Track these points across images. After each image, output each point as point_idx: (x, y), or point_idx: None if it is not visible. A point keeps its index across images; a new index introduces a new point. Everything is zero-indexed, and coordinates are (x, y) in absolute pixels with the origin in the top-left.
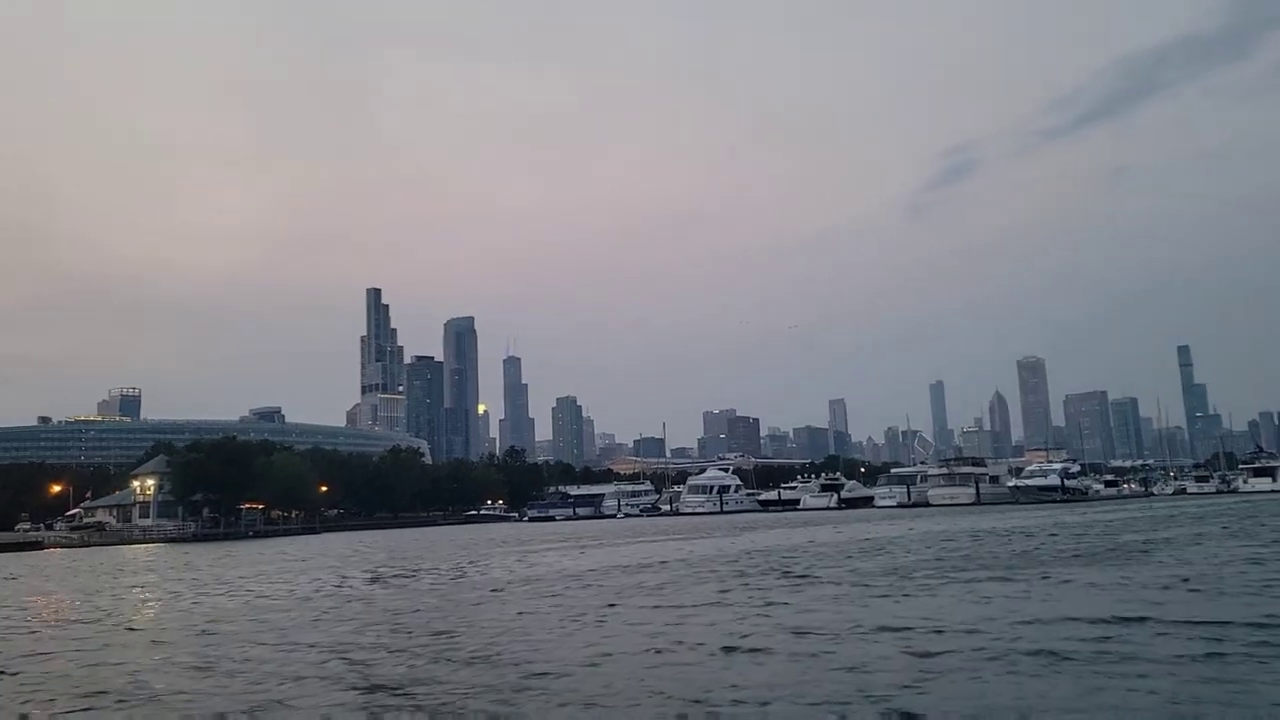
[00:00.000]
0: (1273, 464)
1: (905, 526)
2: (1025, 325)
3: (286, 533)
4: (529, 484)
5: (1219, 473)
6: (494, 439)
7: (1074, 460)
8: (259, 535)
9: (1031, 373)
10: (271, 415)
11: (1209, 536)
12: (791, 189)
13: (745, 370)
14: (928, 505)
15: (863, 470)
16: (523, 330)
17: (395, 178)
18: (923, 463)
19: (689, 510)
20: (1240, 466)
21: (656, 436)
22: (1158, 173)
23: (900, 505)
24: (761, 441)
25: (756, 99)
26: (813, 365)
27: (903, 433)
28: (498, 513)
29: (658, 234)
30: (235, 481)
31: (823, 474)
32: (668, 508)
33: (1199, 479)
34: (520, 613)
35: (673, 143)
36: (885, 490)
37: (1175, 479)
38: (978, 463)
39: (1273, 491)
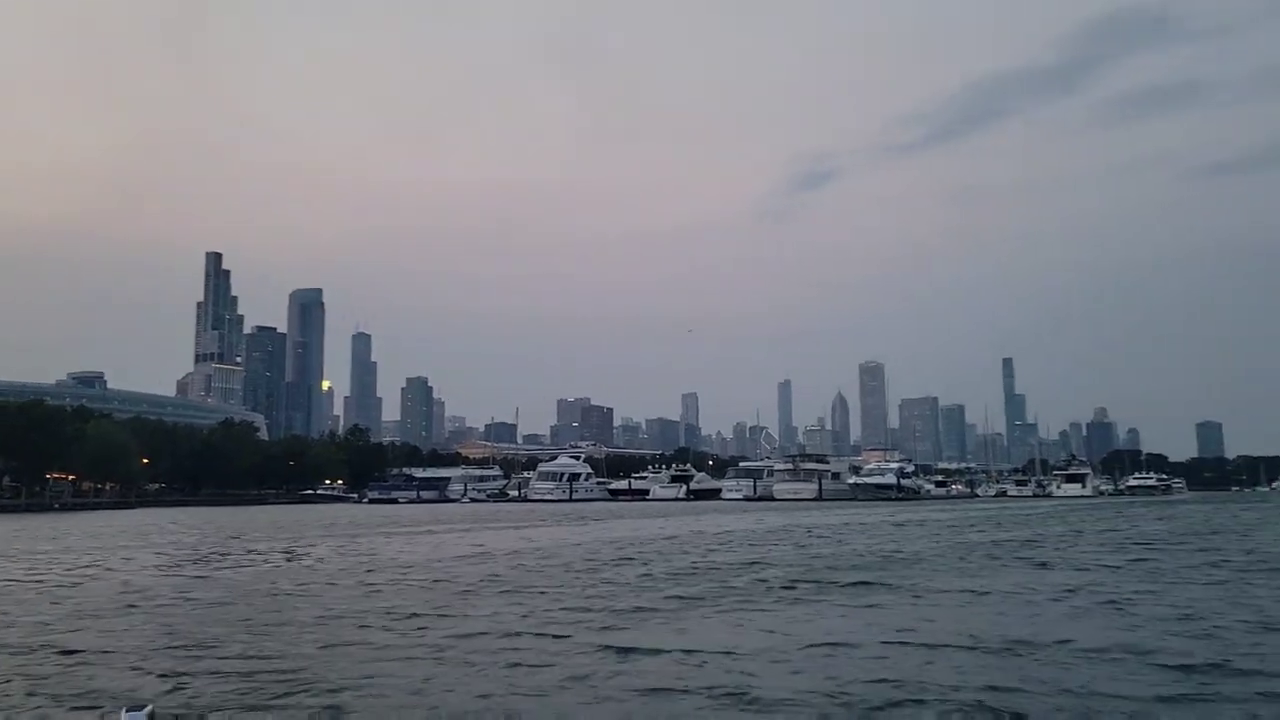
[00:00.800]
0: (1082, 471)
1: (754, 519)
2: (869, 331)
3: (98, 506)
4: (372, 464)
5: (1035, 477)
6: (338, 417)
7: (909, 461)
8: (66, 508)
9: (872, 376)
10: (92, 381)
11: (1062, 539)
12: (653, 183)
13: (601, 360)
14: (773, 499)
15: (710, 463)
16: (374, 307)
17: (244, 138)
18: (768, 458)
19: (537, 497)
20: (1055, 473)
21: (509, 422)
22: (996, 193)
23: (746, 498)
24: (614, 431)
25: (624, 92)
26: (669, 358)
27: (750, 428)
28: (336, 493)
29: (520, 218)
30: (42, 449)
31: (674, 465)
32: (516, 494)
33: (1018, 483)
34: (320, 617)
35: (538, 129)
36: (733, 483)
37: (997, 482)
38: (821, 460)
39: (1081, 496)
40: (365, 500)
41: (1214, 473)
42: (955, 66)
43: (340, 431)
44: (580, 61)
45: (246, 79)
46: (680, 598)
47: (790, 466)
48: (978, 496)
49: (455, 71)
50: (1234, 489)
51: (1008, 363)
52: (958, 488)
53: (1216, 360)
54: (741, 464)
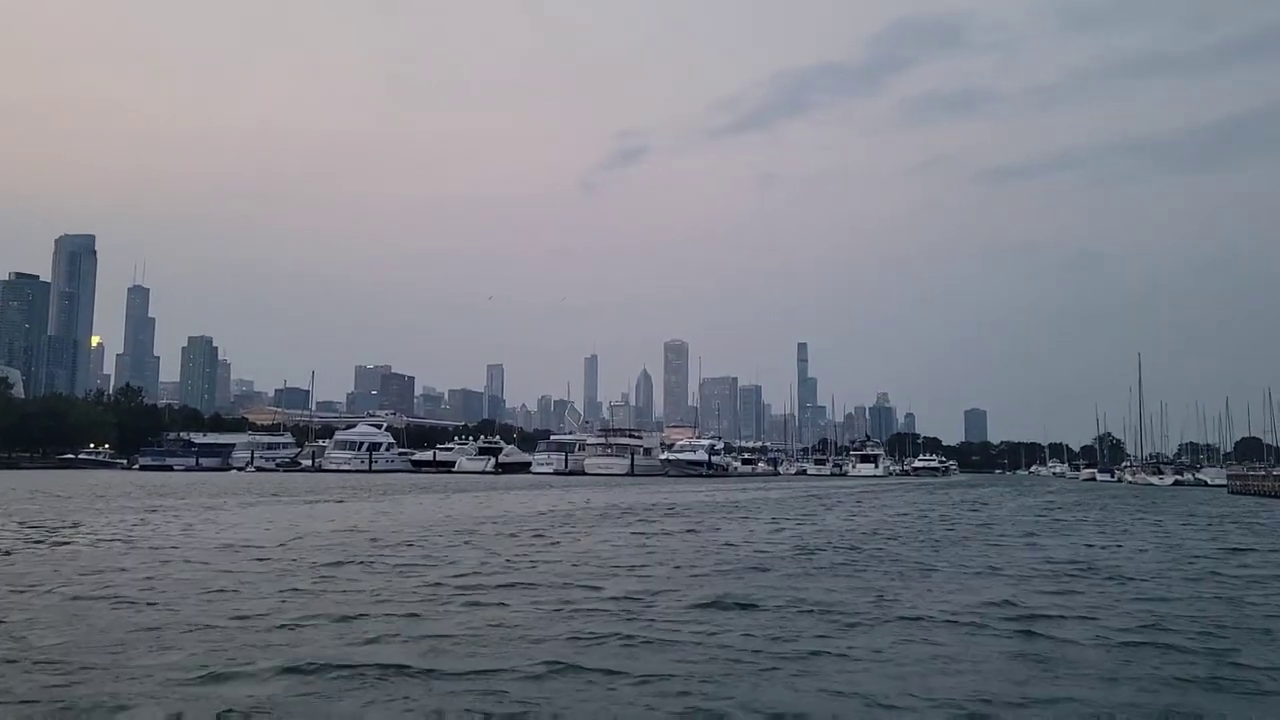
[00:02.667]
0: (875, 453)
1: (583, 497)
2: (674, 310)
3: None
4: (146, 428)
5: (833, 458)
6: (108, 376)
7: (718, 438)
8: None
9: (676, 354)
10: None
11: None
12: (467, 149)
13: (403, 327)
14: (584, 474)
15: (515, 436)
16: (154, 258)
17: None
18: (571, 432)
19: (333, 467)
20: (851, 453)
21: (301, 387)
22: (796, 183)
23: (557, 472)
24: (416, 401)
25: (444, 52)
26: (473, 328)
27: (555, 402)
28: (102, 458)
29: (323, 174)
30: None
31: (481, 437)
32: (310, 463)
33: (817, 462)
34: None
35: (341, 82)
36: (544, 457)
37: (797, 461)
38: (634, 435)
39: (874, 476)
40: (136, 467)
41: (980, 456)
42: (767, 56)
43: (110, 392)
44: (403, 12)
45: (9, 2)
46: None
47: (602, 441)
48: (779, 475)
49: (263, 8)
50: (997, 471)
51: (802, 347)
52: (762, 466)
53: (984, 351)
54: (553, 437)
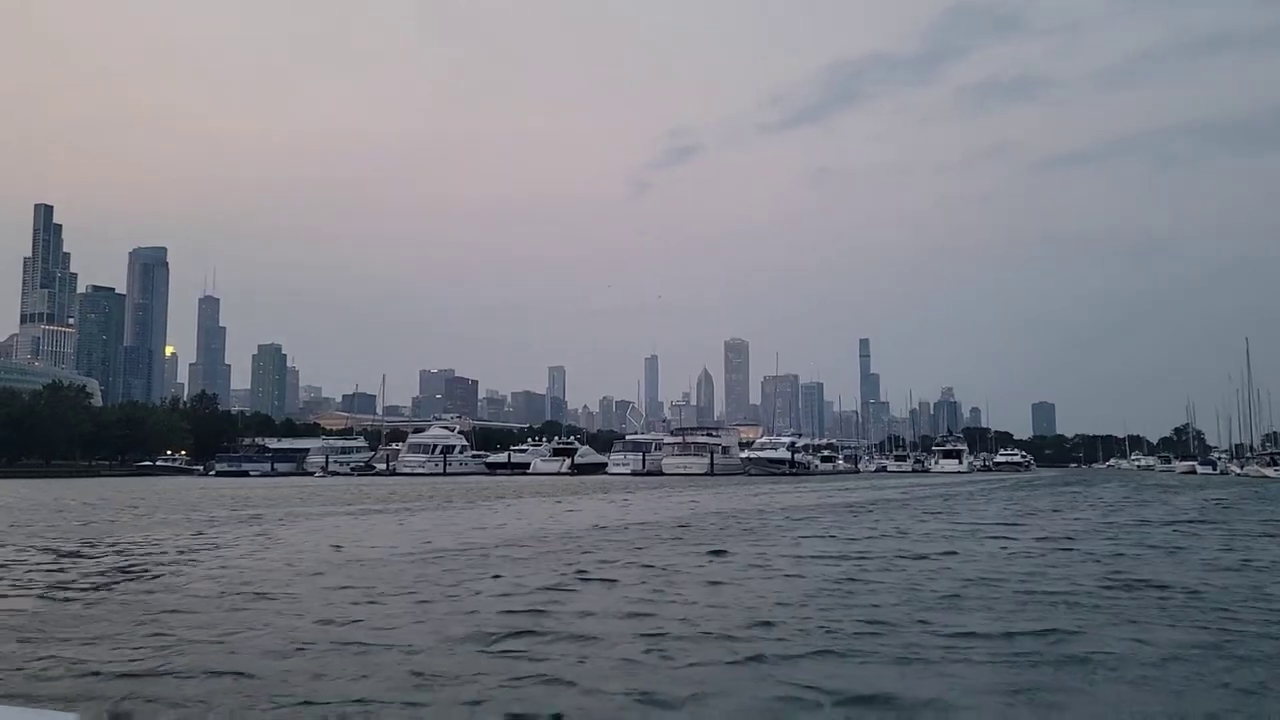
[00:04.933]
0: (959, 448)
1: (704, 499)
2: (735, 307)
3: None
4: (220, 434)
5: (914, 454)
6: (182, 385)
7: (799, 435)
8: None
9: (736, 353)
10: None
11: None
12: (519, 150)
13: (466, 331)
14: (662, 474)
15: (575, 437)
16: (224, 268)
17: (71, 81)
18: (635, 432)
19: (408, 470)
20: (934, 449)
21: (368, 392)
22: (851, 176)
23: (635, 473)
24: (479, 404)
25: (484, 51)
26: (535, 330)
27: (617, 403)
28: (179, 464)
29: (378, 180)
30: None
31: (555, 438)
32: (384, 467)
33: (898, 458)
34: None
35: (395, 86)
36: (620, 457)
37: (877, 458)
38: (712, 433)
39: (958, 472)
40: (212, 473)
41: (1054, 450)
42: (817, 49)
43: (185, 399)
44: (451, 17)
45: (73, 21)
46: None
47: (679, 440)
48: (859, 472)
49: (313, 19)
50: (1072, 465)
51: (864, 343)
52: (842, 463)
53: (1048, 342)
54: (628, 437)
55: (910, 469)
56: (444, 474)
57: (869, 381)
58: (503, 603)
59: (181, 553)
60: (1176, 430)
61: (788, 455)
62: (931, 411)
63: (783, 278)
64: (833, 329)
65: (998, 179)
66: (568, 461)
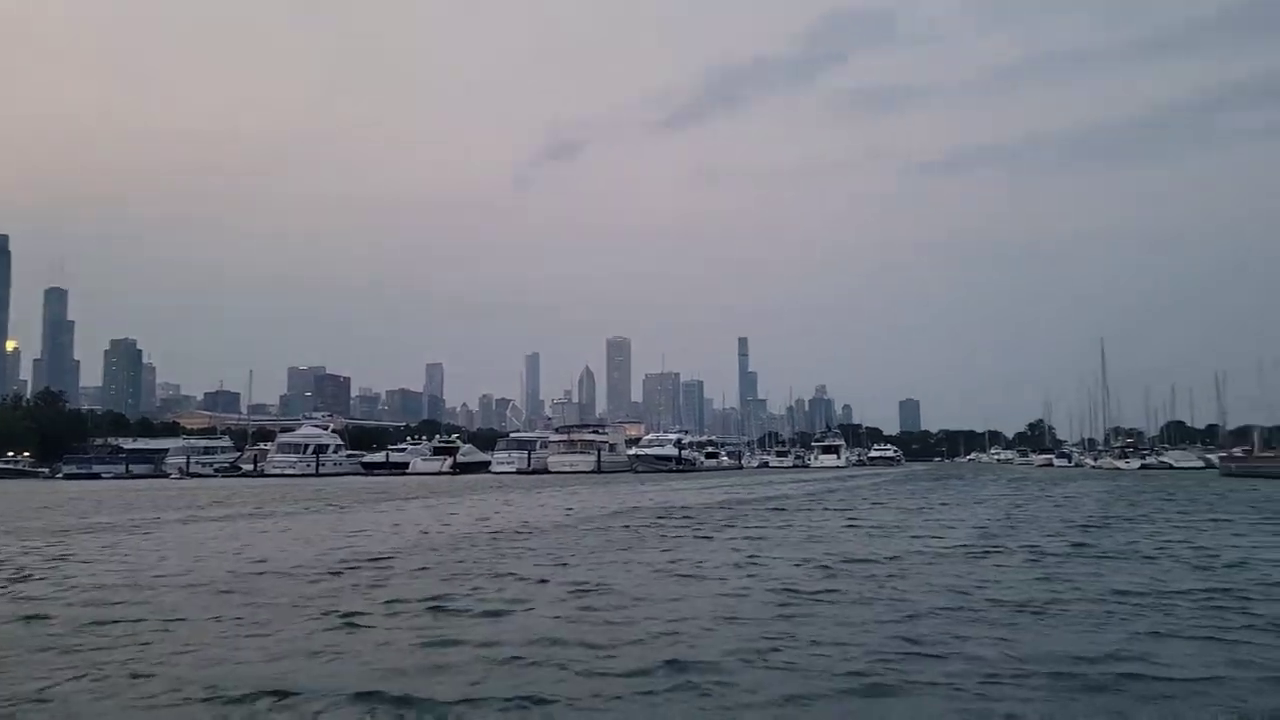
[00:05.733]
0: (837, 443)
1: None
2: (618, 305)
3: None
4: (69, 435)
5: (794, 450)
6: (25, 382)
7: (686, 432)
8: None
9: (619, 351)
10: None
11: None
12: (396, 143)
13: (338, 327)
14: (548, 472)
15: (455, 436)
16: (73, 259)
17: None
18: (516, 430)
19: (278, 471)
20: (813, 444)
21: (233, 390)
22: (734, 179)
23: (520, 471)
24: (352, 402)
25: (355, 45)
26: (412, 327)
27: (497, 401)
28: (21, 467)
29: (245, 173)
30: None
31: (435, 436)
32: (251, 468)
33: (779, 454)
34: None
35: (267, 77)
36: (504, 455)
37: (759, 454)
38: (598, 431)
39: (838, 467)
40: (59, 475)
41: (920, 445)
42: (700, 49)
43: (29, 397)
44: (324, 7)
45: None
46: None
47: (565, 438)
48: (743, 468)
49: (169, 7)
50: (936, 459)
51: (743, 341)
52: (725, 459)
53: (915, 342)
54: (512, 435)
55: (791, 464)
56: (317, 474)
57: (747, 380)
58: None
59: None
60: (1031, 425)
61: (675, 452)
62: (807, 409)
63: (667, 277)
64: (713, 328)
65: (872, 183)
66: (449, 460)
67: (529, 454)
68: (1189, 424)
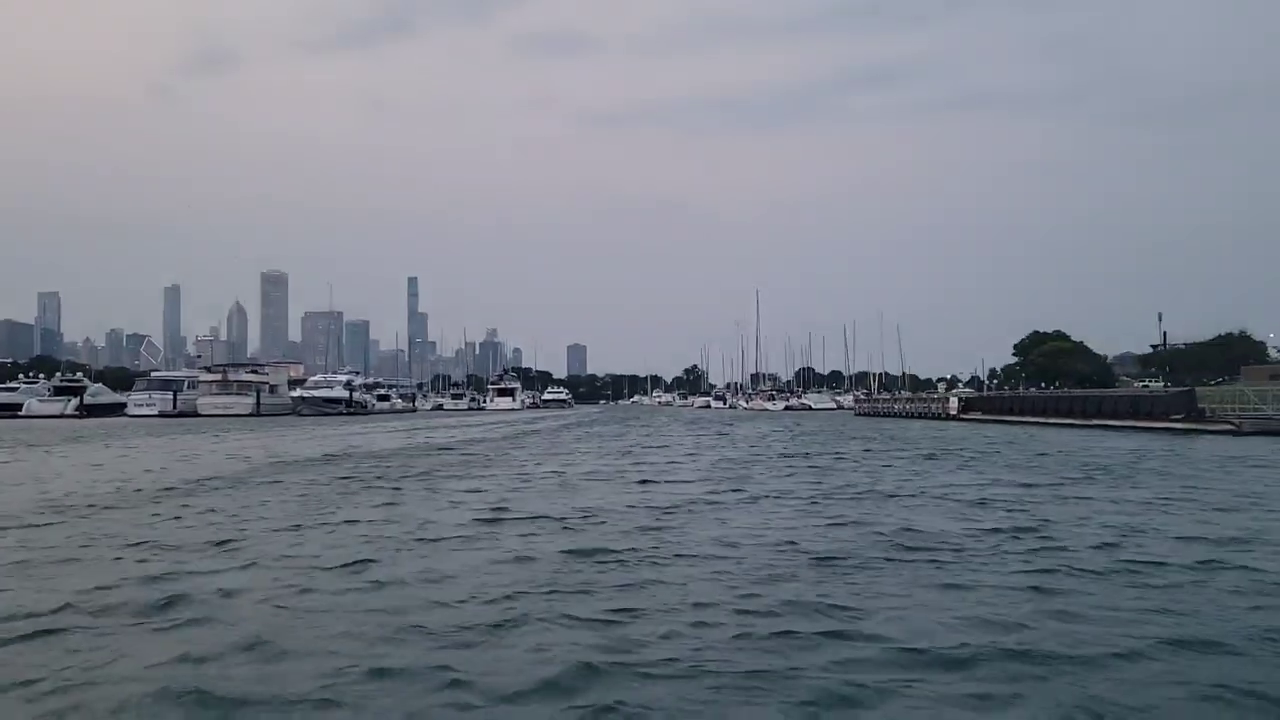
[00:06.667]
0: (513, 386)
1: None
2: (274, 237)
3: None
4: None
5: (470, 390)
6: None
7: (356, 373)
8: None
9: (274, 286)
10: None
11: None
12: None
13: None
14: (197, 415)
15: (79, 375)
16: None
17: None
18: (154, 370)
19: None
20: (489, 387)
21: None
22: (404, 111)
23: (163, 415)
24: None
25: None
26: (20, 248)
27: (128, 336)
28: None
29: None
30: None
31: (56, 375)
32: None
33: (454, 396)
34: None
35: None
36: (143, 396)
37: (434, 396)
38: (256, 370)
39: (511, 409)
40: None
41: (587, 388)
42: None
43: None
44: None
45: None
46: None
47: (219, 378)
48: (416, 410)
49: None
50: (602, 402)
51: (412, 281)
52: (399, 402)
53: (583, 289)
54: (154, 374)
55: (467, 407)
56: None
57: (418, 320)
58: None
59: None
60: (687, 370)
61: (345, 394)
62: (478, 352)
63: (331, 210)
64: (381, 264)
65: (542, 128)
66: (74, 402)
67: (175, 395)
68: (818, 370)
